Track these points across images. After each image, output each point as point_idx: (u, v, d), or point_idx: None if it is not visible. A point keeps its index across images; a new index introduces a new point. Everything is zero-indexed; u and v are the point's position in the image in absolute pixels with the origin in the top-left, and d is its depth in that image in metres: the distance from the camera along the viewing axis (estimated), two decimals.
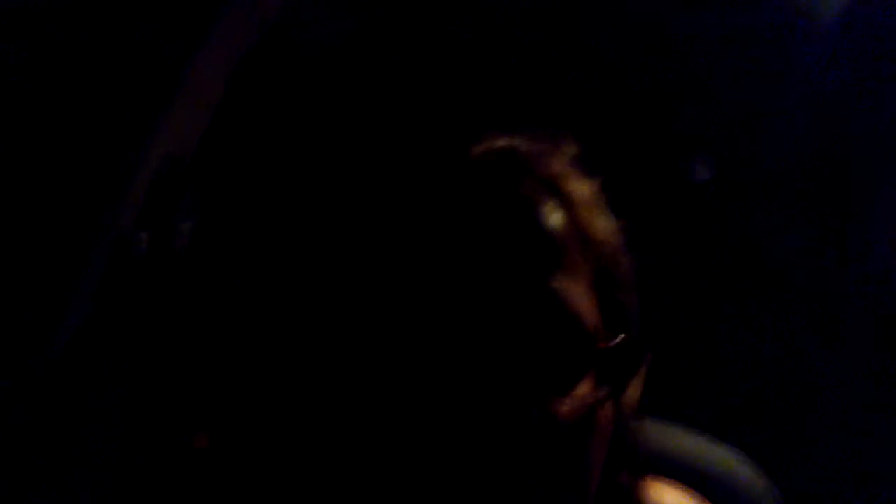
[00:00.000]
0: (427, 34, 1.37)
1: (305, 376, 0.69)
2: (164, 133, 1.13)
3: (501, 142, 0.63)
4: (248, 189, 1.23)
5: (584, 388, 0.56)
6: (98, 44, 1.03)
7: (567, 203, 0.60)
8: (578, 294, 0.57)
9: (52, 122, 1.01)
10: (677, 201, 1.63)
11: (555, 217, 0.58)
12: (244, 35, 1.21)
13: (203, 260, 1.17)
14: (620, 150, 0.68)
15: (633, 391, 0.62)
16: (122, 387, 1.10)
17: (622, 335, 0.58)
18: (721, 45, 1.62)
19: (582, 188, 0.62)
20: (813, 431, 1.64)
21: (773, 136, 1.68)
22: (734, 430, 0.82)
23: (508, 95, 1.39)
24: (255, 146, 1.23)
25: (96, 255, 1.01)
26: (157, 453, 1.11)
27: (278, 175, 1.24)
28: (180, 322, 1.16)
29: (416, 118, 1.26)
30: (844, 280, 1.67)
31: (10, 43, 0.97)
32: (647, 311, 0.63)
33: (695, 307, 1.64)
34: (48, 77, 0.99)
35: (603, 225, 0.62)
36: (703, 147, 1.69)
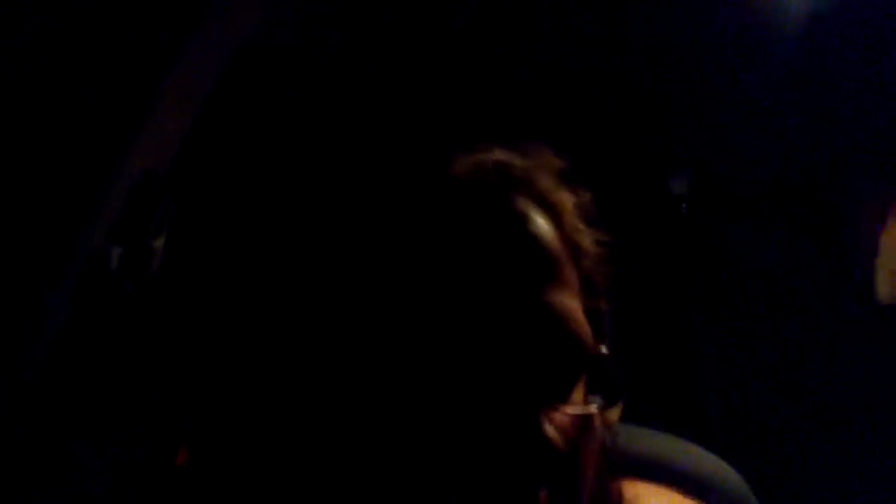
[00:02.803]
0: (413, 46, 1.38)
1: (289, 393, 0.67)
2: (139, 148, 1.12)
3: (491, 156, 0.64)
4: (229, 204, 1.21)
5: (577, 396, 0.57)
6: (75, 57, 1.03)
7: (557, 216, 0.62)
8: (571, 304, 0.59)
9: (27, 135, 1.00)
10: (656, 215, 1.64)
11: (548, 230, 0.60)
12: (222, 50, 1.20)
13: (177, 276, 1.16)
14: (600, 165, 0.69)
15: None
16: (104, 403, 1.08)
17: (606, 342, 0.59)
18: (697, 60, 1.64)
19: (569, 201, 0.64)
20: (801, 437, 1.65)
21: (750, 149, 1.70)
22: (714, 442, 0.82)
23: (492, 107, 1.40)
24: (234, 162, 1.22)
25: (69, 270, 1.00)
26: (140, 470, 1.09)
27: (258, 190, 1.23)
28: (153, 337, 1.14)
29: (403, 129, 1.26)
30: (827, 288, 1.69)
31: None
32: (628, 322, 0.63)
33: (677, 319, 1.64)
34: (24, 88, 0.99)
35: (587, 236, 0.64)
36: (680, 163, 1.71)
